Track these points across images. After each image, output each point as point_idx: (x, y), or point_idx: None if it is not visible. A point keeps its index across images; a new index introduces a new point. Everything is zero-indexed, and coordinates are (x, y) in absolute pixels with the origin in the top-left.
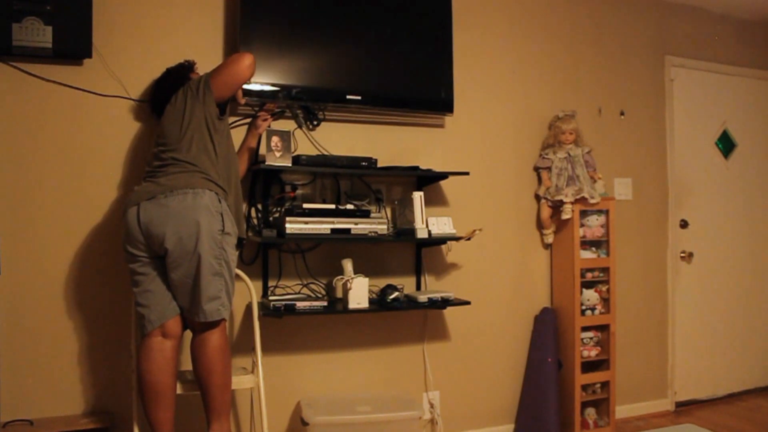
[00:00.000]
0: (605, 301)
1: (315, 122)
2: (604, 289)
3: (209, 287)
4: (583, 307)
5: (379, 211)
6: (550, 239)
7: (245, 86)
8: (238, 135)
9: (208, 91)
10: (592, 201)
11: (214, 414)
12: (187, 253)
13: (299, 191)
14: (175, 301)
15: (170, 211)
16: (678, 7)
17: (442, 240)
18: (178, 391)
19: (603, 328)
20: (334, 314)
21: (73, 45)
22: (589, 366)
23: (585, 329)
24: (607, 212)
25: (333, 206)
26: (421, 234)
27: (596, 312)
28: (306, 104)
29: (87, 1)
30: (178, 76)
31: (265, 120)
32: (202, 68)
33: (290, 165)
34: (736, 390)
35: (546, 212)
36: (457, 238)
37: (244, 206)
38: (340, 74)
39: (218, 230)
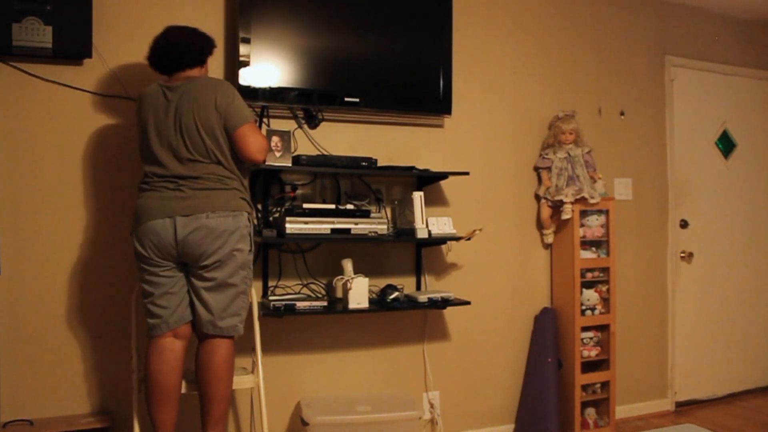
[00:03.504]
0: (605, 301)
1: (315, 122)
2: (604, 289)
3: (233, 305)
4: (583, 307)
5: (379, 211)
6: (550, 239)
7: (249, 85)
8: None
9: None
10: (592, 201)
11: (211, 422)
12: (219, 271)
13: (299, 191)
14: (191, 307)
15: (212, 233)
16: (678, 7)
17: (442, 240)
18: (183, 390)
19: (603, 328)
20: (334, 314)
21: (73, 45)
22: (589, 366)
23: (585, 329)
24: (607, 212)
25: (333, 206)
26: (421, 234)
27: (596, 312)
28: (305, 106)
29: (87, 1)
30: (206, 50)
31: None
32: None
33: (290, 165)
34: (736, 390)
35: (546, 212)
36: (457, 238)
37: None
38: (339, 76)
39: (248, 251)
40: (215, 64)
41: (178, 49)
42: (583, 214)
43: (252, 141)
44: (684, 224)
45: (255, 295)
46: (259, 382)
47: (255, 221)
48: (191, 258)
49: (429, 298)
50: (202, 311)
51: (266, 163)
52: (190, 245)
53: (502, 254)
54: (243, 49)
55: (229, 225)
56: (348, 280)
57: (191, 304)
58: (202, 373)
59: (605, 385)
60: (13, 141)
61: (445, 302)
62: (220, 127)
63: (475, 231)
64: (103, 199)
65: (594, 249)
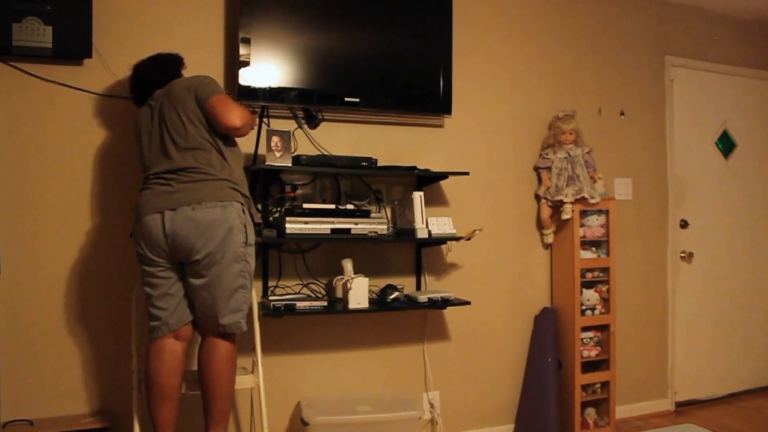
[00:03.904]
0: (605, 301)
1: (315, 122)
2: (604, 289)
3: (231, 300)
4: (583, 307)
5: (379, 211)
6: (550, 239)
7: (249, 85)
8: None
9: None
10: (592, 201)
11: (213, 421)
12: (213, 266)
13: (299, 191)
14: (190, 307)
15: (199, 225)
16: (678, 7)
17: (442, 240)
18: (182, 390)
19: (603, 328)
20: (334, 314)
21: (73, 45)
22: (589, 366)
23: (585, 329)
24: (607, 212)
25: (333, 206)
26: (421, 234)
27: (596, 312)
28: (305, 107)
29: (87, 1)
30: (172, 66)
31: None
32: (202, 69)
33: (290, 165)
34: (736, 390)
35: (546, 212)
36: (457, 238)
37: None
38: (339, 76)
39: (242, 243)
40: (215, 64)
41: (152, 76)
42: (583, 214)
43: (224, 108)
44: (684, 224)
45: (255, 295)
46: (259, 382)
47: (256, 213)
48: (183, 254)
49: (429, 298)
50: (201, 309)
51: (266, 163)
52: (178, 239)
53: (502, 254)
54: (243, 49)
55: (217, 216)
56: (348, 280)
57: (191, 304)
58: (203, 372)
59: (605, 385)
60: (13, 141)
61: (445, 302)
62: (197, 107)
63: (475, 231)
64: (103, 199)
65: (594, 249)
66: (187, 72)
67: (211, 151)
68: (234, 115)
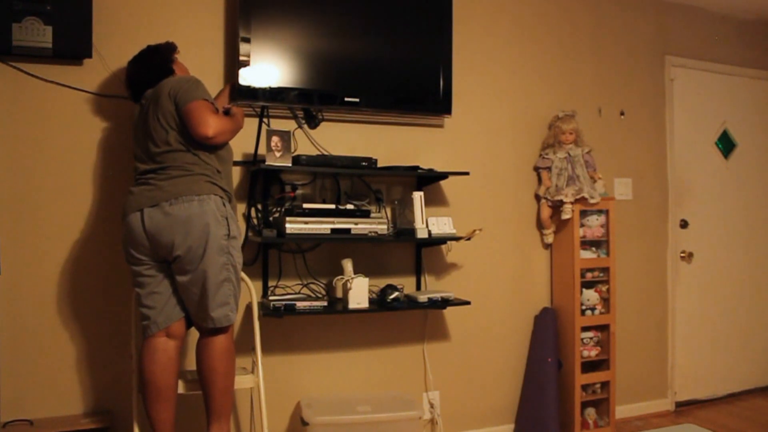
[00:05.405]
0: (605, 301)
1: (315, 122)
2: (604, 289)
3: (218, 294)
4: (583, 307)
5: (379, 211)
6: (550, 239)
7: (249, 85)
8: None
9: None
10: (592, 201)
11: (215, 416)
12: (195, 260)
13: (299, 191)
14: (180, 305)
15: (177, 220)
16: (678, 7)
17: (442, 240)
18: (180, 390)
19: (603, 328)
20: (334, 314)
21: (73, 45)
22: (589, 366)
23: (585, 329)
24: (607, 212)
25: (333, 206)
26: (421, 234)
27: (596, 312)
28: (305, 107)
29: (87, 1)
30: (161, 62)
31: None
32: (202, 69)
33: (290, 165)
34: (736, 390)
35: (546, 212)
36: (457, 238)
37: (244, 207)
38: (339, 76)
39: (224, 235)
40: (215, 64)
41: (141, 78)
42: (583, 214)
43: (198, 116)
44: (684, 224)
45: (255, 295)
46: (259, 382)
47: (226, 204)
48: (164, 250)
49: (429, 298)
50: (189, 306)
51: (266, 163)
52: (158, 235)
53: (502, 254)
54: (243, 49)
55: (194, 210)
56: (348, 280)
57: (181, 301)
58: (200, 368)
59: (605, 385)
60: (13, 141)
61: (445, 302)
62: (175, 111)
63: (475, 231)
64: (103, 199)
65: (594, 249)
66: (186, 64)
67: (189, 153)
68: (206, 124)
